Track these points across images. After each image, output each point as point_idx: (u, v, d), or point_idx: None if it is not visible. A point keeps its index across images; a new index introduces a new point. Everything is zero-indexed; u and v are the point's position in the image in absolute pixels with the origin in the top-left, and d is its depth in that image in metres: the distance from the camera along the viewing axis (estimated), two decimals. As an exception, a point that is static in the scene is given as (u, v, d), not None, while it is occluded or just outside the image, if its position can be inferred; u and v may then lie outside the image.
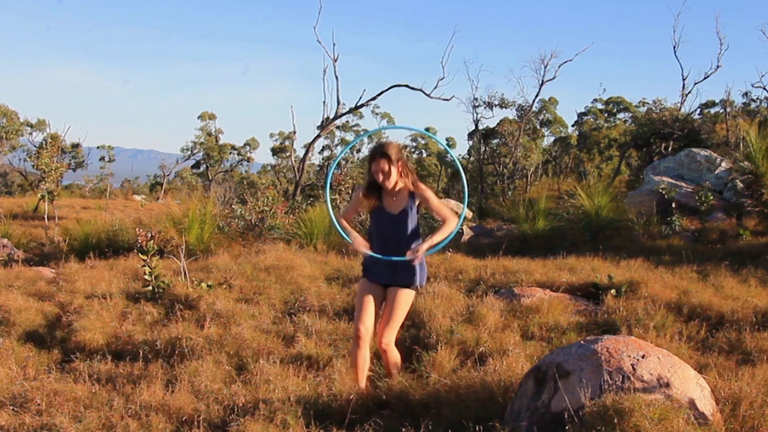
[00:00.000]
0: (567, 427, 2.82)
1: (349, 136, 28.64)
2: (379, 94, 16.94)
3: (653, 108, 19.57)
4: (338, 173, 12.69)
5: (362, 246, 3.79)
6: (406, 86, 16.85)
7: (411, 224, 3.82)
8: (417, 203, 3.84)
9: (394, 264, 3.80)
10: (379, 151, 3.74)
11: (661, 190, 11.03)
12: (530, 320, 5.12)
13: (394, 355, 3.86)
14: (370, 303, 3.81)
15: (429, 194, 3.80)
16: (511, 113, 22.35)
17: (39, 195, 14.59)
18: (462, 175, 4.26)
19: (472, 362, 4.25)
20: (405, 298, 3.80)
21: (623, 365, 3.00)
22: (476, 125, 22.05)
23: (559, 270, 6.90)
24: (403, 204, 3.82)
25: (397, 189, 3.82)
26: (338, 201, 11.81)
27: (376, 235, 3.87)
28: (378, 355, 4.09)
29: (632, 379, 2.93)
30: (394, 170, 3.74)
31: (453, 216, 3.76)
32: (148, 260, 5.93)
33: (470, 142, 25.00)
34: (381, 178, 3.74)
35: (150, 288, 5.95)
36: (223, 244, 9.17)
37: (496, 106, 21.49)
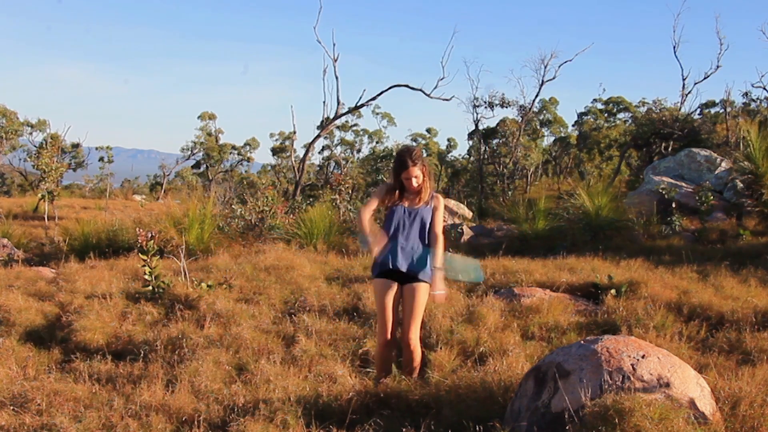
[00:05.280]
0: (567, 427, 2.82)
1: (349, 136, 28.64)
2: (379, 94, 16.94)
3: (653, 108, 19.54)
4: (338, 173, 12.66)
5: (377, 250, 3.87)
6: (406, 86, 16.84)
7: (427, 221, 3.98)
8: (433, 207, 4.00)
9: (412, 255, 3.94)
10: (411, 159, 3.88)
11: (661, 190, 11.03)
12: (530, 320, 5.13)
13: (419, 353, 3.97)
14: (391, 306, 3.93)
15: (441, 206, 4.01)
16: (511, 113, 22.37)
17: (39, 195, 14.58)
18: None
19: (472, 362, 4.25)
20: (423, 293, 3.91)
21: (623, 365, 3.00)
22: (476, 125, 22.04)
23: (559, 270, 6.90)
24: (422, 203, 3.99)
25: (419, 189, 3.97)
26: (338, 201, 11.80)
27: (395, 229, 3.95)
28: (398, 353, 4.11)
29: (632, 379, 2.93)
30: (420, 173, 3.92)
31: (441, 237, 3.96)
32: (148, 260, 5.93)
33: (470, 142, 25.03)
34: (414, 183, 3.91)
35: (150, 288, 5.95)
36: (223, 244, 9.17)
37: (496, 105, 21.49)
